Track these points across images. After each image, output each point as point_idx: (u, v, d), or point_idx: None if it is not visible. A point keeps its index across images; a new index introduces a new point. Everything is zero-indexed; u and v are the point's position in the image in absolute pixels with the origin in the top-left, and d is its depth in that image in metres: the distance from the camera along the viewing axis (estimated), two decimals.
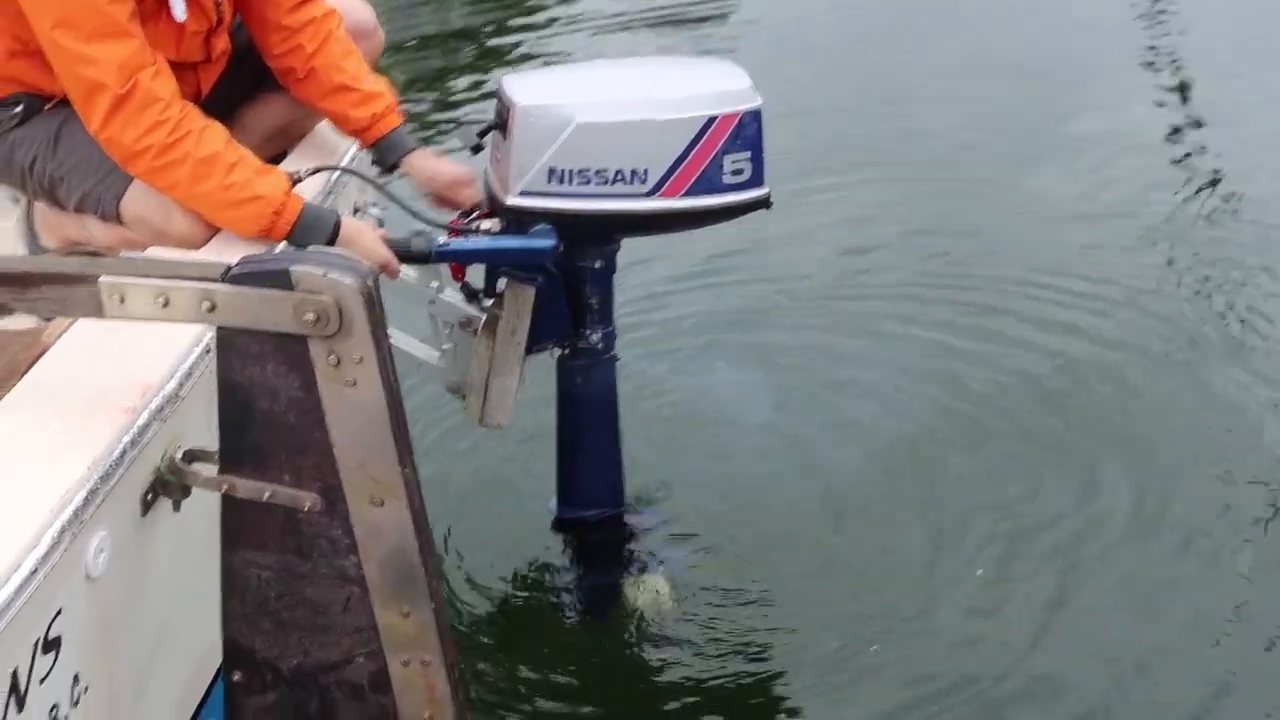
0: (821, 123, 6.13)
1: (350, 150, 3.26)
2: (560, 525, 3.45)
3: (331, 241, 2.77)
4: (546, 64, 7.13)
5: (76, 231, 3.03)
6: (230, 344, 2.08)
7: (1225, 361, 4.29)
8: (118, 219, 2.86)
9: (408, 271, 3.26)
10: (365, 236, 2.87)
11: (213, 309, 2.05)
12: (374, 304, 2.03)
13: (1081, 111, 6.19)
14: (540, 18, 8.01)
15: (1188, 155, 5.81)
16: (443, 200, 3.14)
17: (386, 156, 3.12)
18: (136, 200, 2.81)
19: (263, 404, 2.09)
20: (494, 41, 7.82)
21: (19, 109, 2.93)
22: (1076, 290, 4.73)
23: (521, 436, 3.87)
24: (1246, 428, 3.97)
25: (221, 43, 3.00)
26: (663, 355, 4.45)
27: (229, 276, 2.04)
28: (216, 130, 2.73)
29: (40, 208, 3.11)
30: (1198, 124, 6.15)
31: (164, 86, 2.67)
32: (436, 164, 3.15)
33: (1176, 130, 6.10)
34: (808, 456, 3.97)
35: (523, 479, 3.81)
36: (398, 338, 3.32)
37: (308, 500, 2.14)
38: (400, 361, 3.33)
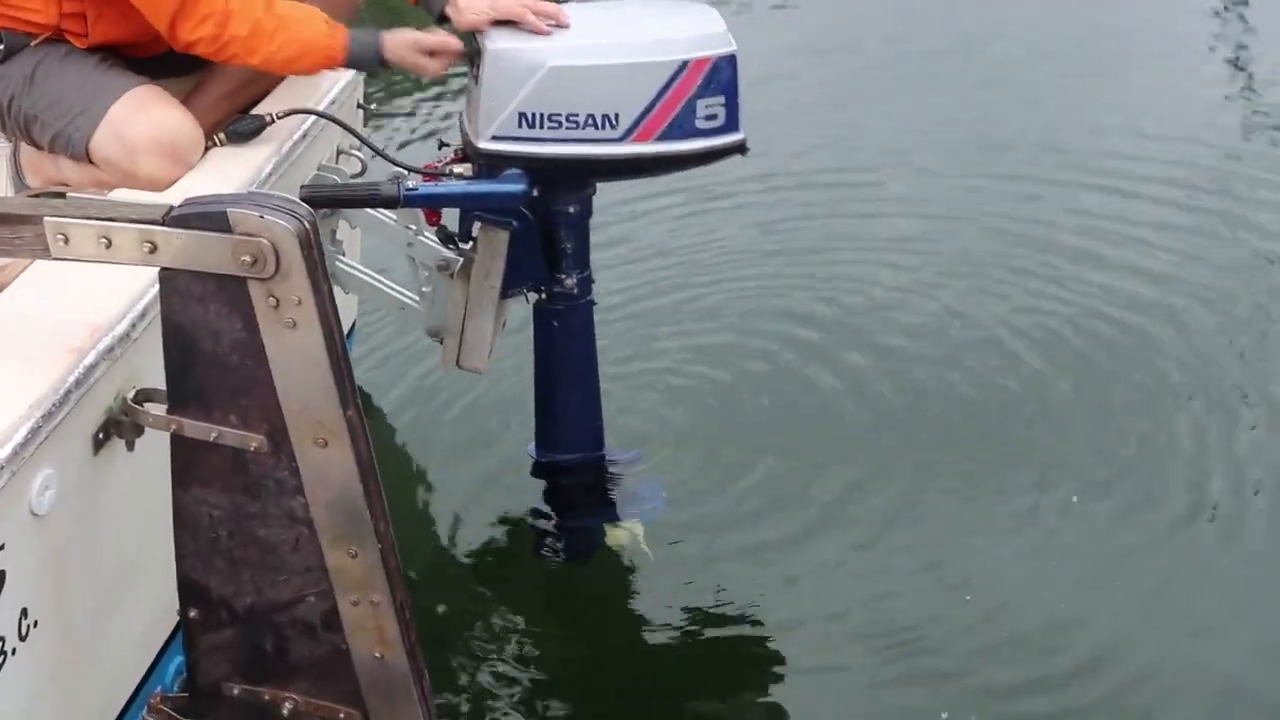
0: None
1: (330, 94, 3.25)
2: (539, 469, 3.46)
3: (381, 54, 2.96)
4: None
5: (54, 171, 3.05)
6: (173, 285, 2.09)
7: None
8: (88, 159, 2.88)
9: (386, 214, 3.26)
10: (405, 34, 2.98)
11: (154, 250, 2.05)
12: (311, 247, 2.03)
13: None
14: None
15: None
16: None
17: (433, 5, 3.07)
18: (104, 141, 2.83)
19: (206, 345, 2.11)
20: None
21: (0, 46, 2.94)
22: None
23: (501, 380, 3.88)
24: None
25: None
26: (648, 300, 4.45)
27: (169, 218, 2.05)
28: None
29: (25, 147, 3.13)
30: None
31: None
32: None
33: None
34: (796, 402, 3.97)
35: (502, 422, 3.82)
36: (377, 280, 3.34)
37: (254, 441, 2.15)
38: (380, 305, 3.38)
